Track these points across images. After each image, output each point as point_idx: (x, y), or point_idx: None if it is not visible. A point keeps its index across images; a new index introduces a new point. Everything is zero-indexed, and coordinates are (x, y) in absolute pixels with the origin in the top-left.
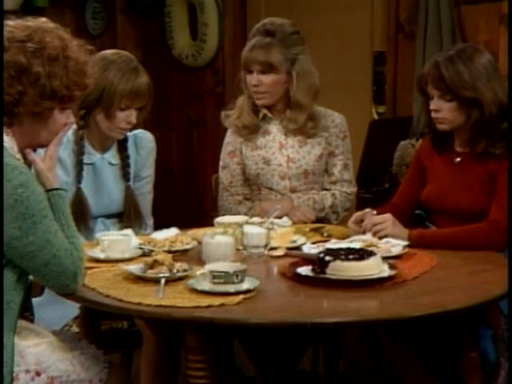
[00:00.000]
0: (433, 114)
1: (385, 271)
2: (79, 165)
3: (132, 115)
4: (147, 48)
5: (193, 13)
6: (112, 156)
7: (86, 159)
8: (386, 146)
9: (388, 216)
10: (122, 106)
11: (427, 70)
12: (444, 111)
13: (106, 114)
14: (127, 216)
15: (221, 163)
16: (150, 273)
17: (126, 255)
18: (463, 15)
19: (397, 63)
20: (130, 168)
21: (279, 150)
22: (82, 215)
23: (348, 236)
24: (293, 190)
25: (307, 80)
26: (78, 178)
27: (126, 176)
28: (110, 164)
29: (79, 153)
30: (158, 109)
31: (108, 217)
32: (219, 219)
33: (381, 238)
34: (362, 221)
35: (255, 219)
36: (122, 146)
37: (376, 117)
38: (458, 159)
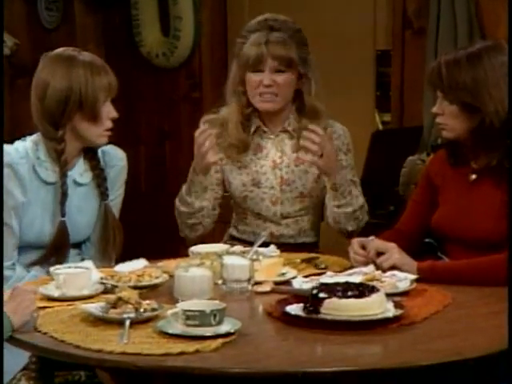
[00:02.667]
0: (436, 119)
1: (389, 311)
2: (63, 193)
3: (113, 109)
4: (110, 45)
5: (164, 4)
6: (78, 174)
7: (44, 176)
8: (391, 161)
9: (392, 244)
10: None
11: (432, 70)
12: (446, 115)
13: (92, 118)
14: (103, 242)
15: None
16: (113, 313)
17: (85, 292)
18: (482, 7)
19: (404, 64)
20: (106, 182)
21: (272, 170)
22: (61, 251)
23: (347, 268)
24: (284, 217)
25: (317, 82)
26: (62, 208)
27: (104, 194)
28: (76, 184)
29: (61, 175)
30: (123, 118)
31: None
32: (194, 248)
33: (385, 270)
34: (364, 248)
35: (237, 248)
36: (94, 159)
37: (380, 127)
38: (474, 176)
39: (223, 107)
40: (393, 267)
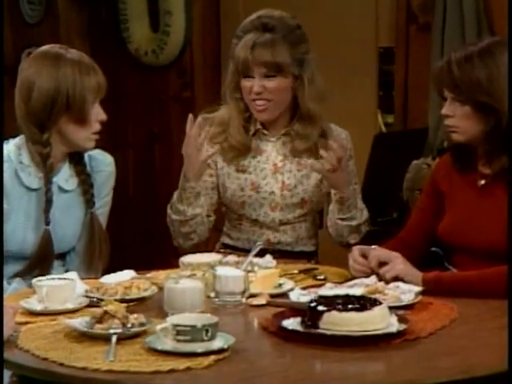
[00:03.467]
0: (445, 121)
1: (393, 325)
2: (47, 200)
3: (101, 111)
4: (96, 41)
5: None
6: (64, 180)
7: (27, 182)
8: (394, 165)
9: (396, 254)
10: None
11: (440, 68)
12: (456, 118)
13: (79, 120)
14: (88, 252)
15: None
16: (99, 328)
17: (69, 306)
18: (491, 1)
19: (408, 62)
20: (93, 189)
21: (273, 174)
22: (45, 262)
23: (347, 279)
24: (283, 224)
25: (317, 85)
26: (46, 216)
27: (90, 201)
28: (61, 190)
29: (46, 181)
30: (110, 119)
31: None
32: (185, 258)
33: (388, 281)
34: (365, 256)
35: (230, 258)
36: (80, 164)
37: (383, 129)
38: (482, 182)
39: (221, 106)
40: (396, 278)
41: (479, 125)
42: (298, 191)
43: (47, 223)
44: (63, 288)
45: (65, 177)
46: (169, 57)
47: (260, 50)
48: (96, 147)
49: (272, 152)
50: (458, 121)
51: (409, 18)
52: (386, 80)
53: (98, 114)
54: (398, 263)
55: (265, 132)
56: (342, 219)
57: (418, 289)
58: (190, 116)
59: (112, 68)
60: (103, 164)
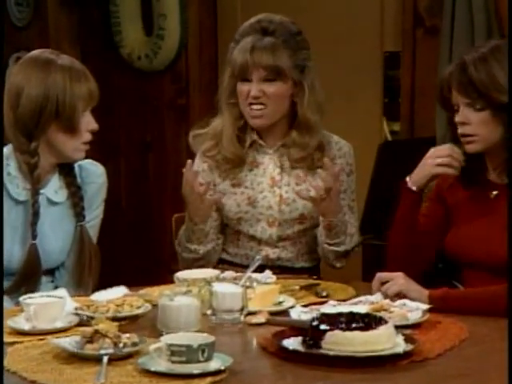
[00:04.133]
0: (460, 130)
1: (399, 345)
2: (34, 212)
3: (93, 120)
4: (87, 45)
5: (147, 0)
6: (53, 192)
7: (14, 194)
8: (400, 176)
9: (398, 273)
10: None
11: (451, 72)
12: (474, 125)
13: (69, 130)
14: (78, 268)
15: None
16: (89, 349)
17: (58, 325)
18: (502, 3)
19: (415, 67)
20: (83, 202)
21: (270, 188)
22: (32, 279)
23: (351, 296)
24: (281, 240)
25: (317, 95)
26: (33, 230)
27: (80, 214)
28: (51, 202)
29: (33, 192)
30: (101, 127)
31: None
32: (180, 274)
33: (391, 298)
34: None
35: (228, 274)
36: (70, 175)
37: (388, 137)
38: (495, 193)
39: (214, 118)
40: (402, 296)
41: (498, 130)
42: (296, 206)
43: (34, 237)
44: (52, 306)
45: (54, 188)
46: (163, 61)
47: (260, 53)
48: (86, 157)
49: (269, 164)
50: (476, 128)
51: (415, 21)
52: (392, 86)
53: (88, 123)
54: (399, 279)
55: (261, 143)
56: (329, 244)
57: (426, 307)
58: (189, 161)
59: (103, 73)
60: (94, 175)
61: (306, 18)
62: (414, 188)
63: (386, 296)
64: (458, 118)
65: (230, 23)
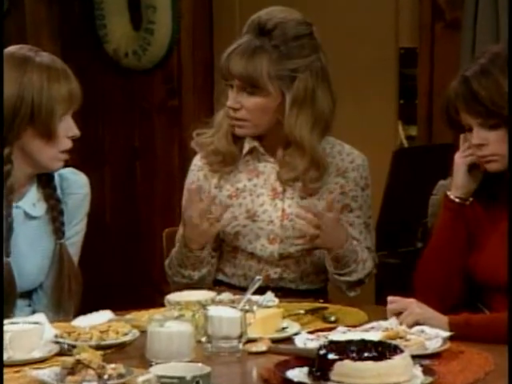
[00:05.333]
0: (478, 152)
1: (417, 378)
2: (8, 225)
3: (73, 125)
4: (69, 41)
5: None
6: (30, 205)
7: None
8: (417, 186)
9: (410, 300)
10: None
11: (455, 91)
12: (492, 145)
13: (45, 135)
14: (57, 291)
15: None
16: (71, 381)
17: (36, 354)
18: None
19: (433, 64)
20: (63, 216)
21: (271, 201)
22: (7, 302)
23: (363, 322)
24: (283, 258)
25: (312, 108)
26: (6, 246)
27: (59, 231)
28: (28, 216)
29: (7, 204)
30: (84, 132)
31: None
32: (172, 296)
33: (411, 325)
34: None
35: (225, 296)
36: (49, 186)
37: (404, 143)
38: None
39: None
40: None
41: None
42: (302, 222)
43: (7, 254)
44: (29, 333)
45: (32, 201)
46: (153, 59)
47: (235, 59)
48: (68, 165)
49: (271, 174)
50: (495, 147)
51: (434, 14)
52: (408, 86)
53: (68, 128)
54: (414, 308)
55: (262, 151)
56: (339, 274)
57: (446, 334)
58: (198, 186)
59: (86, 72)
60: (76, 185)
61: (316, 13)
62: (455, 197)
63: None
64: (474, 141)
65: (227, 16)
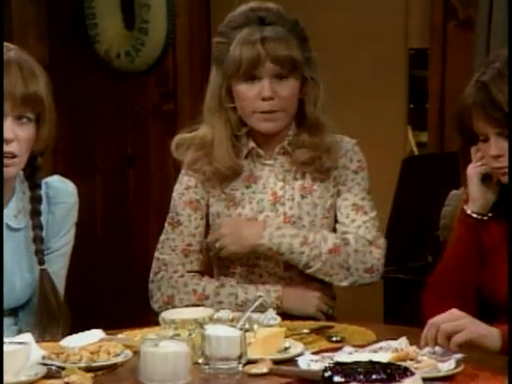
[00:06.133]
0: (495, 164)
1: None
2: None
3: (7, 127)
4: (57, 41)
5: None
6: (12, 216)
7: None
8: (428, 196)
9: (456, 312)
10: None
11: (472, 98)
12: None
13: None
14: (39, 313)
15: (170, 216)
16: None
17: (22, 378)
18: None
19: (445, 66)
20: (42, 244)
21: (272, 206)
22: None
23: (371, 342)
24: (288, 269)
25: (322, 91)
26: None
27: (40, 252)
28: (10, 229)
29: None
30: (72, 138)
31: None
32: (167, 314)
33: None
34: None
35: (223, 314)
36: (34, 197)
37: (414, 150)
38: None
39: (200, 125)
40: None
41: None
42: (303, 223)
43: None
44: (15, 355)
45: (13, 212)
46: (147, 60)
47: (273, 43)
48: (55, 172)
49: (269, 178)
50: None
51: (446, 13)
52: (418, 89)
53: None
54: (467, 324)
55: (260, 152)
56: (305, 266)
57: (460, 356)
58: (174, 152)
59: (76, 74)
60: (63, 194)
61: (320, 11)
62: (473, 212)
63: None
64: (492, 151)
65: (226, 14)
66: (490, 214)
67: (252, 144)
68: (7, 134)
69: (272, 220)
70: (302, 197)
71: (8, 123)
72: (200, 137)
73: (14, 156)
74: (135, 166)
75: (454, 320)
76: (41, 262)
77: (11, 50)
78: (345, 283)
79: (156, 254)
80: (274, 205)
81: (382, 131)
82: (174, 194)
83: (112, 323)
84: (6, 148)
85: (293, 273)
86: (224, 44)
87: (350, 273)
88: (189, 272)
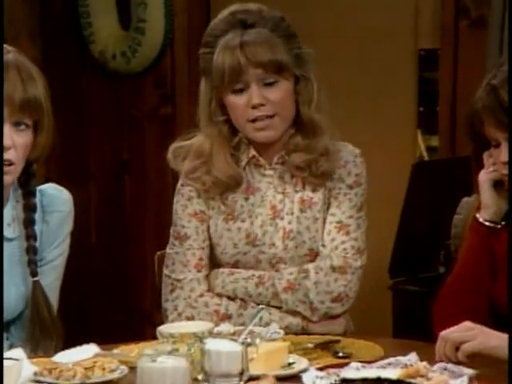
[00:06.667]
0: (504, 170)
1: None
2: None
3: (6, 134)
4: (50, 41)
5: None
6: (5, 226)
7: None
8: (439, 204)
9: (468, 324)
10: None
11: (482, 102)
12: None
13: None
14: (31, 326)
15: (176, 230)
16: None
17: None
18: None
19: (457, 67)
20: (36, 254)
21: (272, 220)
22: None
23: (379, 357)
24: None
25: (316, 89)
26: None
27: (33, 263)
28: (4, 238)
29: None
30: (66, 143)
31: None
32: (165, 327)
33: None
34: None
35: (224, 327)
36: (28, 205)
37: (424, 155)
38: None
39: (197, 133)
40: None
41: None
42: (303, 239)
43: None
44: (6, 372)
45: (6, 221)
46: (143, 61)
47: (253, 48)
48: (49, 180)
49: (267, 190)
50: None
51: (458, 12)
52: (428, 91)
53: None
54: (476, 334)
55: (260, 161)
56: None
57: (472, 371)
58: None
59: (69, 76)
60: (58, 202)
61: (323, 10)
62: (485, 220)
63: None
64: (503, 158)
65: None
66: (503, 223)
67: (253, 152)
68: (5, 140)
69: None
70: (302, 211)
71: (6, 130)
72: (197, 145)
73: (10, 163)
74: (131, 172)
75: (464, 331)
76: (33, 274)
77: (9, 53)
78: (315, 318)
79: (167, 272)
80: (273, 219)
81: (390, 135)
82: (177, 207)
83: (107, 336)
84: (4, 155)
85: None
86: (208, 54)
87: (315, 307)
88: (207, 290)
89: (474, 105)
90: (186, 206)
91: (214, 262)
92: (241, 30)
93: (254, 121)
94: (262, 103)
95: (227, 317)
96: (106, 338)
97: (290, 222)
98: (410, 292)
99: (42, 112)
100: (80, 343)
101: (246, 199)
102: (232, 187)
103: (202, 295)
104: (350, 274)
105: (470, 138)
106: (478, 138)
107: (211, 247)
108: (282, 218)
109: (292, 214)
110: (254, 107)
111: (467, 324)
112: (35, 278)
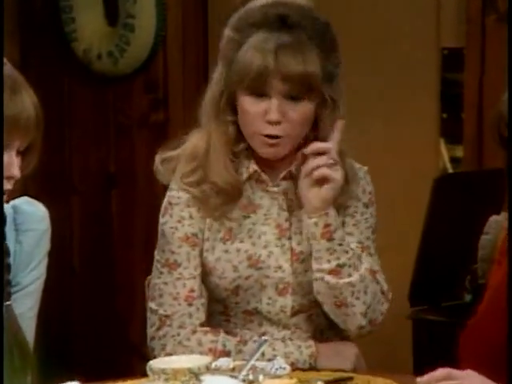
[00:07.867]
0: None
1: None
2: None
3: (12, 162)
4: (29, 39)
5: None
6: None
7: None
8: (464, 222)
9: (468, 372)
10: None
11: (506, 105)
12: None
13: None
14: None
15: (164, 257)
16: None
17: None
18: None
19: (483, 68)
20: (9, 273)
21: (277, 241)
22: None
23: None
24: (296, 313)
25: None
26: None
27: (6, 284)
28: None
29: None
30: (46, 153)
31: None
32: (156, 362)
33: None
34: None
35: (223, 362)
36: None
37: (448, 167)
38: None
39: (193, 132)
40: None
41: None
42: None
43: None
44: None
45: None
46: (132, 62)
47: (287, 57)
48: (24, 194)
49: (271, 207)
50: None
51: (485, 6)
52: (452, 95)
53: (7, 164)
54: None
55: (262, 177)
56: (333, 272)
57: None
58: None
59: (50, 77)
60: (32, 219)
61: (339, 7)
62: None
63: None
64: None
65: (225, 8)
66: None
67: (254, 167)
68: (15, 170)
69: None
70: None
71: (11, 152)
72: (191, 147)
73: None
74: (119, 186)
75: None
76: (6, 297)
77: (6, 64)
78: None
79: (152, 305)
80: (279, 239)
81: (410, 145)
82: (165, 228)
83: (91, 373)
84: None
85: (300, 319)
86: (236, 42)
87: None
88: (200, 325)
89: (499, 107)
90: (177, 228)
91: (208, 288)
92: (277, 31)
93: (266, 136)
94: (280, 121)
95: (225, 354)
96: (91, 375)
97: (298, 243)
98: (432, 322)
99: (34, 134)
100: (59, 380)
101: (245, 217)
102: (231, 197)
103: (194, 332)
104: (389, 304)
105: (497, 144)
106: (504, 141)
107: (208, 272)
108: (290, 238)
109: (301, 233)
110: (269, 122)
111: (469, 372)
112: (7, 302)
